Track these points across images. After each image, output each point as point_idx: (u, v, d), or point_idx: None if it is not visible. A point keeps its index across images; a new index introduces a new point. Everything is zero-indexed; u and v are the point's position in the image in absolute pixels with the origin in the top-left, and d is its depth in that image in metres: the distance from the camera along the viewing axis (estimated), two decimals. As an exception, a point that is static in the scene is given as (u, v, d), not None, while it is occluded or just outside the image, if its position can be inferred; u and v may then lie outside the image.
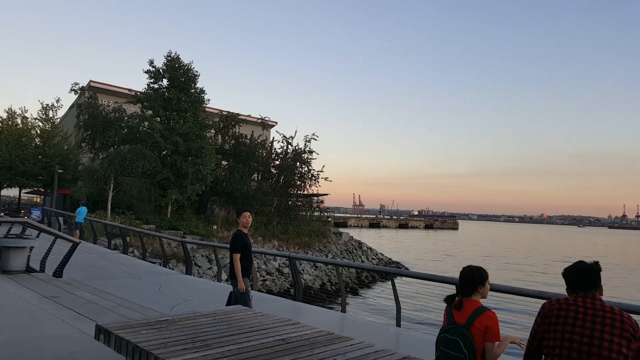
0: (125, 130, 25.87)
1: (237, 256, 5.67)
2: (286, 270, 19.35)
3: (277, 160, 30.44)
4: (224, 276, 17.22)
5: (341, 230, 36.89)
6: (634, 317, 2.70)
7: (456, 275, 3.43)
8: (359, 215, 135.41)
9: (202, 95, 26.30)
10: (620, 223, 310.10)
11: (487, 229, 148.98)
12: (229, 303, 5.83)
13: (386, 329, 7.51)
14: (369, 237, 55.98)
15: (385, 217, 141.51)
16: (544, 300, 2.91)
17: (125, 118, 26.12)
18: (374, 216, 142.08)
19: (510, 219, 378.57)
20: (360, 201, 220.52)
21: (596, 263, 2.86)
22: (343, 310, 8.88)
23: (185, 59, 26.01)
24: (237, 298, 5.73)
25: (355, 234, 45.14)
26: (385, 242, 55.32)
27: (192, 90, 25.90)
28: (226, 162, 28.75)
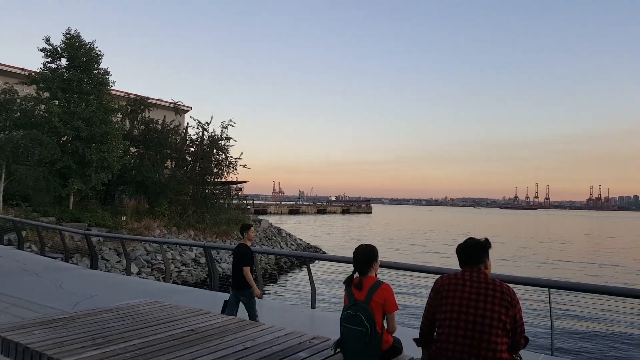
0: (18, 114, 23.35)
1: (248, 269, 6.06)
2: (203, 260, 18.90)
3: (192, 147, 29.37)
4: (134, 269, 16.46)
5: (261, 217, 36.75)
6: (512, 286, 3.04)
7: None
8: (278, 202, 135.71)
9: (107, 76, 24.48)
10: (512, 204, 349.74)
11: (397, 212, 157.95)
12: (223, 310, 6.00)
13: (301, 311, 7.70)
14: (288, 224, 56.36)
15: (305, 203, 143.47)
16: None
17: (18, 100, 23.57)
18: (294, 203, 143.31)
19: (418, 202, 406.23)
20: (280, 188, 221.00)
21: (486, 240, 3.15)
22: (260, 297, 8.93)
23: (87, 37, 24.03)
24: (248, 305, 6.08)
25: (275, 220, 45.19)
26: (304, 228, 56.11)
27: (95, 71, 24.01)
28: (135, 149, 27.18)
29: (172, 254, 18.89)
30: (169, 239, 19.00)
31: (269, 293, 16.80)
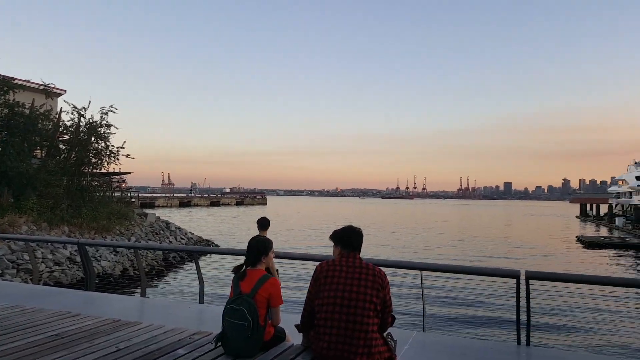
0: None
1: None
2: (79, 258, 17.30)
3: (66, 134, 26.56)
4: (-5, 271, 14.57)
5: (147, 211, 34.62)
6: (388, 269, 3.28)
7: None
8: (168, 195, 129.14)
9: (-42, 51, 21.12)
10: (394, 194, 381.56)
11: (292, 202, 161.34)
12: None
13: (188, 307, 7.44)
14: (179, 217, 54.05)
15: (197, 195, 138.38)
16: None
17: None
18: (185, 195, 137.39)
19: (311, 193, 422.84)
20: (170, 180, 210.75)
21: (359, 229, 3.35)
22: (143, 295, 8.47)
23: None
24: None
25: (164, 214, 42.98)
26: (196, 221, 54.31)
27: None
28: (-3, 136, 23.85)
29: (42, 252, 17.01)
30: (37, 237, 17.06)
31: (155, 288, 16.00)
